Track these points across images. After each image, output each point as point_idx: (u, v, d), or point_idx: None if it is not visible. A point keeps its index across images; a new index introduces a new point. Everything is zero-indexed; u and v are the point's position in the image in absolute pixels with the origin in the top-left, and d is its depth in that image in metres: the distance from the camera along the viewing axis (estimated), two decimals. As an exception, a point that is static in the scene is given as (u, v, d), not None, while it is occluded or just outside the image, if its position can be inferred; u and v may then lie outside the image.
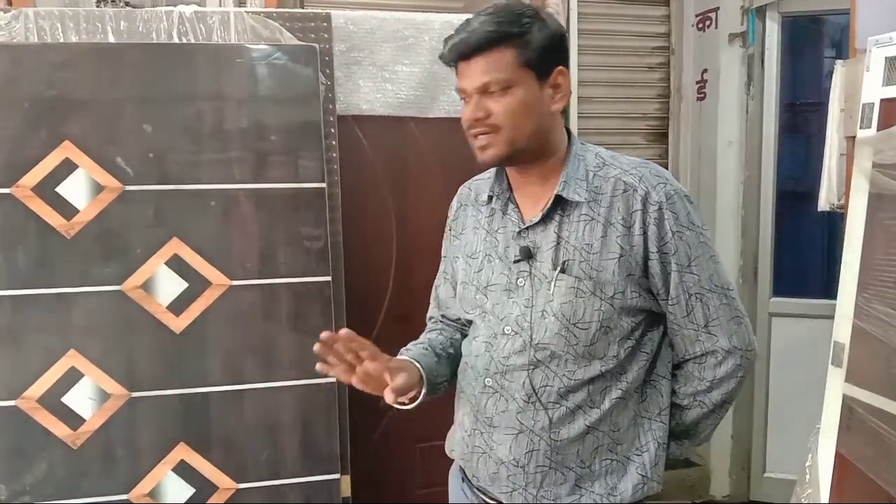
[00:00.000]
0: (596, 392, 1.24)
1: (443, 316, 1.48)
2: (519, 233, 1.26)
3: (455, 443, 1.38)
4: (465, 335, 1.40)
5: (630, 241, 1.21)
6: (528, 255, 1.24)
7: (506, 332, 1.27)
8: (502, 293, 1.28)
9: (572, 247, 1.22)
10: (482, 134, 1.21)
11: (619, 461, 1.26)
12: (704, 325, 1.24)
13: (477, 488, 1.34)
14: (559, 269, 1.21)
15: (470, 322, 1.37)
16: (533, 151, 1.24)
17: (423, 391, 1.28)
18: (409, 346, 1.40)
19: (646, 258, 1.21)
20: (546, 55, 1.20)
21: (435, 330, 1.47)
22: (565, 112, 1.28)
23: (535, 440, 1.24)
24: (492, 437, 1.28)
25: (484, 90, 1.19)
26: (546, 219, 1.24)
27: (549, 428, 1.24)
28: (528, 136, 1.21)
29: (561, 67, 1.22)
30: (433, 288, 1.50)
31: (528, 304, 1.24)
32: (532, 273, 1.24)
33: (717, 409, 1.29)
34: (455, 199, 1.45)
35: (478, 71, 1.19)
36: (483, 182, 1.37)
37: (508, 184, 1.31)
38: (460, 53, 1.20)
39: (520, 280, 1.26)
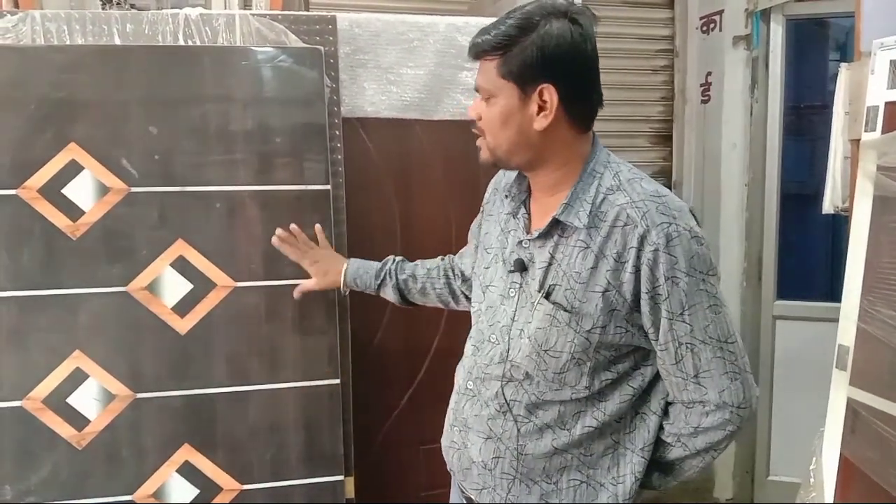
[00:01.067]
0: (568, 414, 1.22)
1: (452, 261, 1.62)
2: (520, 242, 1.26)
3: (443, 433, 1.40)
4: (451, 289, 1.61)
5: (620, 277, 1.15)
6: (521, 267, 1.24)
7: (491, 339, 1.28)
8: (497, 297, 1.28)
9: (562, 272, 1.18)
10: (478, 135, 1.25)
11: (590, 485, 1.24)
12: (694, 375, 1.17)
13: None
14: (543, 293, 1.19)
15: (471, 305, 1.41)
16: (523, 163, 1.24)
17: (342, 287, 1.69)
18: (389, 261, 1.69)
19: (636, 296, 1.15)
20: (529, 70, 1.15)
21: (431, 265, 1.66)
22: (588, 124, 1.22)
23: (502, 448, 1.25)
24: (466, 437, 1.30)
25: (479, 93, 1.22)
26: (545, 235, 1.21)
27: (517, 439, 1.24)
28: (507, 148, 1.21)
29: (547, 84, 1.15)
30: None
31: (513, 319, 1.24)
32: (522, 287, 1.24)
33: (700, 454, 1.22)
34: (493, 180, 1.45)
35: (478, 73, 1.22)
36: (513, 173, 1.33)
37: (528, 185, 1.29)
38: (469, 54, 1.22)
39: (511, 291, 1.25)
